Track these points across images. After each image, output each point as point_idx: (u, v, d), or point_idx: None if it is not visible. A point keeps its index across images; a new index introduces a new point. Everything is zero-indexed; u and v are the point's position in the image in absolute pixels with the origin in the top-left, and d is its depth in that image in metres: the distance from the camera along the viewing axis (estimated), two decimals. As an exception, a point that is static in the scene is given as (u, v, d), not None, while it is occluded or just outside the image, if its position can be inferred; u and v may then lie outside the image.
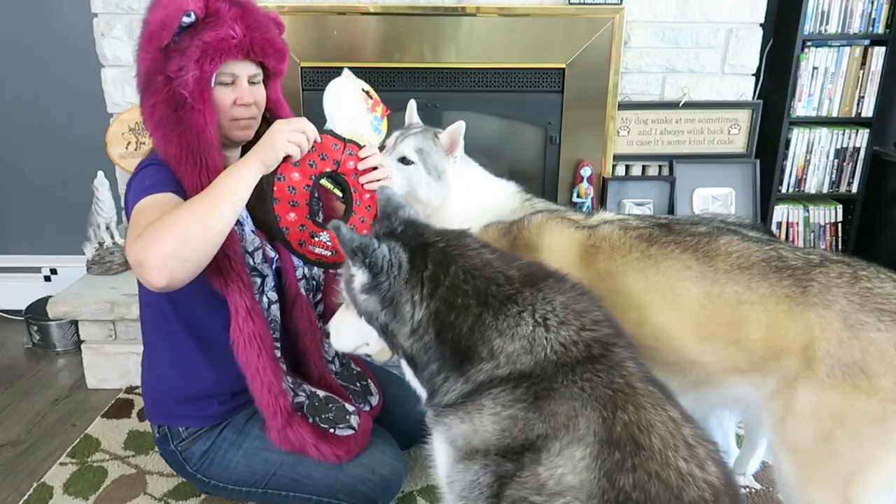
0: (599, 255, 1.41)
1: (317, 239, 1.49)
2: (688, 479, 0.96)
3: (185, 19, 1.38)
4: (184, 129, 1.41)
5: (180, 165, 1.41)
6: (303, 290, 1.65)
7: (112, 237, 2.45)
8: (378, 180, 1.52)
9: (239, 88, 1.48)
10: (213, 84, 1.44)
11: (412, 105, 1.90)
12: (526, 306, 1.08)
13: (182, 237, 1.25)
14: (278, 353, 1.56)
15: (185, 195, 1.40)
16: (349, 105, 1.49)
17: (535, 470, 1.00)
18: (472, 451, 1.06)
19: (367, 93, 1.53)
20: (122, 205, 1.57)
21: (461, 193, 1.76)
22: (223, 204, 1.31)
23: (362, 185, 1.52)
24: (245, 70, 1.49)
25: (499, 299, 1.09)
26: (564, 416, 1.01)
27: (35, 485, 1.81)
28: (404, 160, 1.72)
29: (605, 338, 1.09)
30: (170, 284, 1.27)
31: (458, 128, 1.73)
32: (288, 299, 1.63)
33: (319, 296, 1.75)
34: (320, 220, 1.54)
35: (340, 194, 1.52)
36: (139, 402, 2.18)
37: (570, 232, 1.49)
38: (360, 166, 1.51)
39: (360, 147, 1.50)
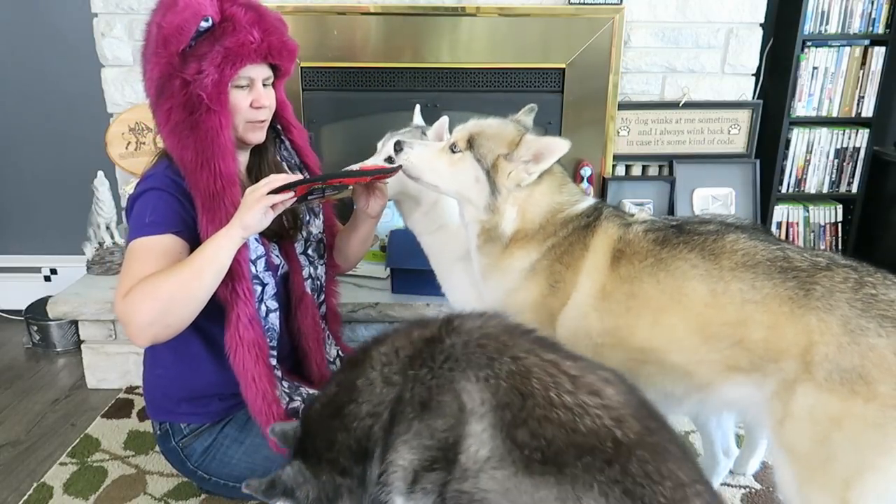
0: (623, 259, 1.40)
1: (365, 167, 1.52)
2: (578, 410, 1.00)
3: (203, 24, 1.39)
4: (199, 133, 1.42)
5: (196, 171, 1.43)
6: (309, 290, 1.66)
7: (112, 237, 2.45)
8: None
9: (255, 91, 1.51)
10: (229, 88, 1.45)
11: (417, 109, 1.95)
12: (363, 387, 1.18)
13: (165, 305, 1.34)
14: (274, 361, 1.56)
15: (186, 231, 1.44)
16: None
17: (459, 461, 1.05)
18: (412, 482, 1.10)
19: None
20: (125, 210, 1.58)
21: None
22: (205, 272, 1.37)
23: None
24: (260, 73, 1.51)
25: (338, 406, 1.20)
26: (453, 400, 1.06)
27: (35, 485, 1.81)
28: (389, 159, 1.72)
29: (436, 322, 1.17)
30: (154, 343, 1.41)
31: (442, 123, 1.75)
32: (294, 299, 1.64)
33: (322, 296, 1.75)
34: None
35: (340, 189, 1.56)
36: (139, 402, 2.18)
37: (614, 230, 1.45)
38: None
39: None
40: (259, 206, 1.35)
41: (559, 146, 1.41)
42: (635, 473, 0.96)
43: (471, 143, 1.47)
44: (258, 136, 1.57)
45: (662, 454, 0.99)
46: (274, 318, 1.57)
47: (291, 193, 1.38)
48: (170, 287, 1.34)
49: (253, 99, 1.50)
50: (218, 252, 1.37)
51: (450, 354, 1.11)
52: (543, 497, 0.97)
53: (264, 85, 1.53)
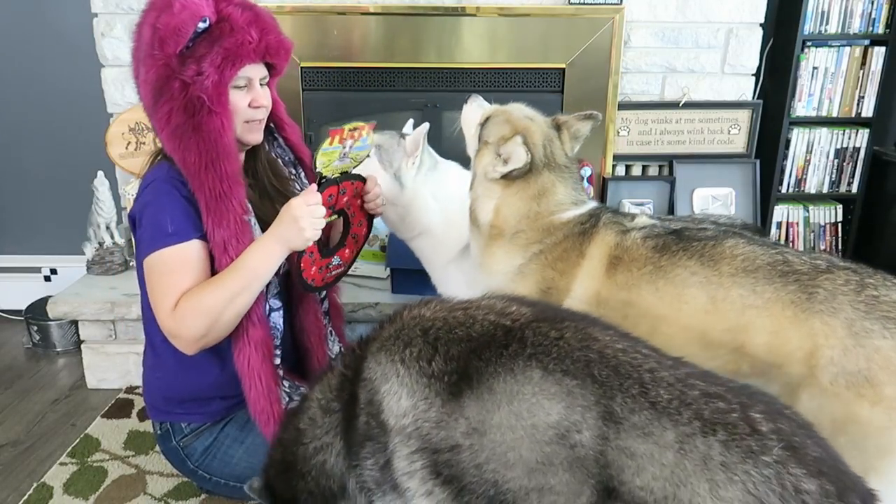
0: (620, 266, 1.40)
1: (330, 266, 1.60)
2: (469, 322, 1.07)
3: (201, 25, 1.38)
4: (202, 135, 1.41)
5: (199, 173, 1.42)
6: None
7: (112, 237, 2.45)
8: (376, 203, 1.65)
9: (253, 91, 1.51)
10: (229, 88, 1.45)
11: (410, 122, 1.95)
12: (306, 427, 1.23)
13: (215, 319, 1.40)
14: (278, 361, 1.57)
15: (203, 231, 1.44)
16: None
17: (387, 426, 1.07)
18: (377, 485, 1.13)
19: (353, 129, 1.54)
20: (129, 218, 1.57)
21: (423, 197, 1.75)
22: (252, 286, 1.43)
23: (359, 207, 1.64)
24: (257, 73, 1.50)
25: (289, 457, 1.25)
26: (362, 388, 1.12)
27: (35, 485, 1.81)
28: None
29: (353, 343, 1.22)
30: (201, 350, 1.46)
31: (420, 130, 1.74)
32: (295, 297, 1.64)
33: (324, 292, 1.75)
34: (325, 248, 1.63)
35: (339, 218, 1.63)
36: (139, 402, 2.18)
37: (611, 237, 1.45)
38: (366, 199, 1.63)
39: (351, 181, 1.57)
40: (308, 221, 1.40)
41: (517, 158, 1.46)
42: (533, 342, 1.01)
43: (484, 122, 1.54)
44: (256, 137, 1.56)
45: (559, 321, 1.04)
46: (277, 317, 1.58)
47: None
48: (219, 301, 1.39)
49: (251, 98, 1.50)
50: (266, 266, 1.43)
51: (366, 357, 1.14)
52: (466, 407, 1.00)
53: (261, 84, 1.53)
